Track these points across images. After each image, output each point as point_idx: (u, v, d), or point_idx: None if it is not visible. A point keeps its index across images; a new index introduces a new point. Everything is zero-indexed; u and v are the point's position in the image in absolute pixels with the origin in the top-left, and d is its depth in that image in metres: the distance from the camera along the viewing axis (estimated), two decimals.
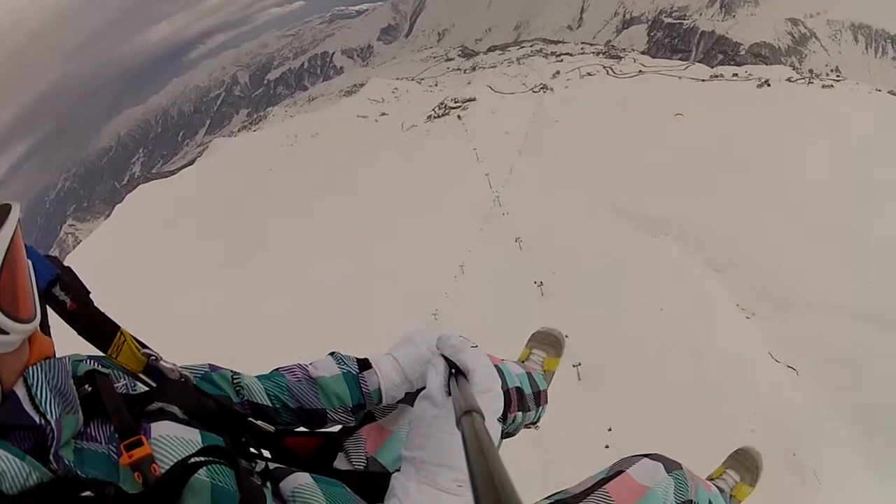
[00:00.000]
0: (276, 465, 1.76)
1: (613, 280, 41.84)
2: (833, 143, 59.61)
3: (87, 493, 1.09)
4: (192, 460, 1.23)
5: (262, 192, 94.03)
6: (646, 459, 2.46)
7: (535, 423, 3.15)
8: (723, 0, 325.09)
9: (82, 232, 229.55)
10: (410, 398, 2.08)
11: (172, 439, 1.34)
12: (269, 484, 1.56)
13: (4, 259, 1.07)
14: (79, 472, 1.16)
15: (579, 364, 33.53)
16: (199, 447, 1.35)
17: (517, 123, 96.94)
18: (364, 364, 2.13)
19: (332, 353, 2.20)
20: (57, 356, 1.27)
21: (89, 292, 1.59)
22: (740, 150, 63.06)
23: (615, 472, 2.39)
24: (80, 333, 1.54)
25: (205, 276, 70.15)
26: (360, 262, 58.09)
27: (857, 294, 39.43)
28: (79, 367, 1.43)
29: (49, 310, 1.46)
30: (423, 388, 1.68)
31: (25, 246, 1.26)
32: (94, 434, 1.29)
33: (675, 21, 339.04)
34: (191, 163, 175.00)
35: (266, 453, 1.81)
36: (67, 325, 1.54)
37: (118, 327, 1.60)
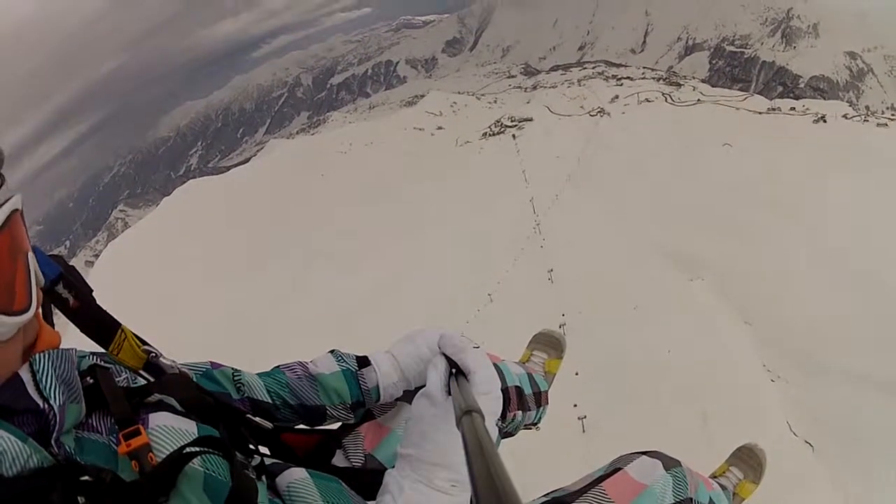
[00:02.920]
0: (273, 460, 1.81)
1: (640, 325, 40.05)
2: (884, 192, 57.31)
3: (86, 477, 1.10)
4: (188, 450, 1.25)
5: (309, 197, 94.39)
6: (644, 457, 2.49)
7: (536, 423, 3.15)
8: (784, 30, 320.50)
9: (132, 218, 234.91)
10: (409, 396, 2.10)
11: (169, 429, 1.37)
12: (264, 478, 1.57)
13: None
14: (78, 459, 1.18)
15: (584, 416, 32.39)
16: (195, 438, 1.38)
17: (570, 147, 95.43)
18: (363, 361, 2.19)
19: (331, 351, 2.26)
20: (68, 348, 1.32)
21: (92, 290, 1.63)
22: (790, 191, 60.21)
23: (613, 469, 2.43)
24: (82, 330, 1.60)
25: (237, 276, 70.72)
26: (388, 279, 57.83)
27: (891, 369, 36.73)
28: (82, 363, 1.48)
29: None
30: (422, 386, 1.70)
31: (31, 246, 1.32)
32: (95, 425, 1.31)
33: (736, 49, 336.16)
34: (247, 160, 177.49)
35: (264, 449, 1.82)
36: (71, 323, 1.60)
37: (119, 325, 1.66)
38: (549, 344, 3.95)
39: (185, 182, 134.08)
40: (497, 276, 53.65)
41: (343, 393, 2.11)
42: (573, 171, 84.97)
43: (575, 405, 32.16)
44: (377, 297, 53.87)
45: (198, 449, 1.28)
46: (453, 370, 1.71)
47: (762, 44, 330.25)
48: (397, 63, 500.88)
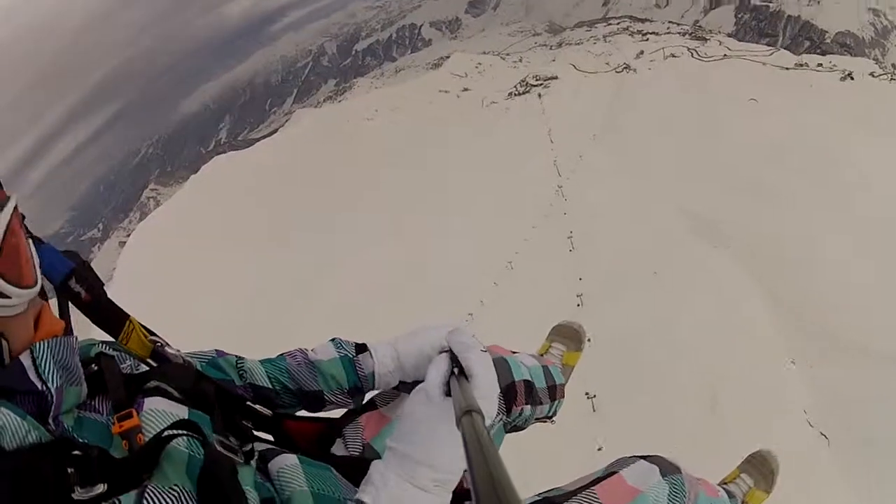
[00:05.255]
0: (270, 446, 1.88)
1: (659, 296, 38.24)
2: None
3: (77, 452, 1.17)
4: (167, 433, 1.32)
5: (334, 168, 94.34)
6: (642, 461, 2.47)
7: (551, 417, 3.15)
8: None
9: (164, 196, 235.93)
10: (410, 388, 2.17)
11: (161, 413, 1.45)
12: (253, 462, 1.64)
13: (5, 235, 1.20)
14: (76, 436, 1.28)
15: (594, 396, 31.73)
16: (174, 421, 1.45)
17: (596, 105, 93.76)
18: (361, 349, 2.26)
19: (332, 339, 2.32)
20: (68, 336, 1.41)
21: (103, 284, 1.74)
22: (819, 151, 57.38)
23: (609, 472, 2.42)
24: (93, 322, 1.72)
25: (264, 253, 71.21)
26: (412, 254, 57.16)
27: None
28: (91, 350, 1.59)
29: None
30: (421, 380, 1.72)
31: (41, 242, 1.52)
32: (97, 407, 1.42)
33: (762, 3, 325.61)
34: (275, 132, 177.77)
35: (264, 435, 1.98)
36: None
37: (127, 316, 1.77)
38: (569, 336, 3.97)
39: (213, 157, 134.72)
40: (516, 245, 52.64)
41: (340, 379, 2.19)
42: (598, 129, 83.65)
43: (586, 393, 31.56)
44: (400, 271, 53.48)
45: (175, 432, 1.34)
46: (455, 370, 1.71)
47: None
48: (421, 26, 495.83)
